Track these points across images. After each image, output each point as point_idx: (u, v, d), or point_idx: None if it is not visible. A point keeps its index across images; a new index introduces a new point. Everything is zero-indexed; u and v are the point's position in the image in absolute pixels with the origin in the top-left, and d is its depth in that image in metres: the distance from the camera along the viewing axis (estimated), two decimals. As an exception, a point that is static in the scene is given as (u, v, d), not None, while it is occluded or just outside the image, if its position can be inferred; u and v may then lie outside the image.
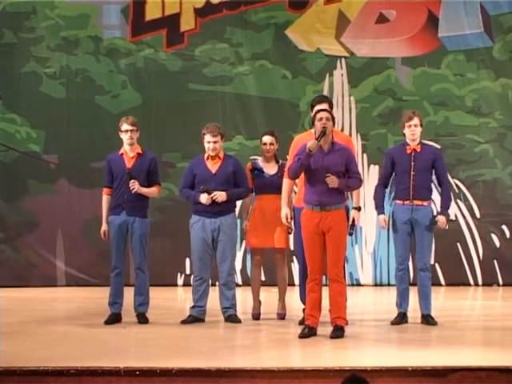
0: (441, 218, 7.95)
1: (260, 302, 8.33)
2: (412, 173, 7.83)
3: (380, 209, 8.02)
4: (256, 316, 8.26)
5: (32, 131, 11.09)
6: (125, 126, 8.05)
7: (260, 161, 8.41)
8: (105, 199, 8.17)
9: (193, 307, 8.08)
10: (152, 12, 11.20)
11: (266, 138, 8.36)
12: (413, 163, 7.84)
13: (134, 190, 7.95)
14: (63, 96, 11.12)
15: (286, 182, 7.81)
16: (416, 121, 7.89)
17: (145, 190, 8.03)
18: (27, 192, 11.09)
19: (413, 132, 7.88)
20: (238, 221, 8.32)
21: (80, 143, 11.07)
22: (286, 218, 7.81)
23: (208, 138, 8.03)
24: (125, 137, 8.05)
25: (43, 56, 11.12)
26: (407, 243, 7.93)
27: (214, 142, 8.00)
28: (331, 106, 7.93)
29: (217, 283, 8.22)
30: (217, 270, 8.12)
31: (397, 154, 7.97)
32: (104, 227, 8.09)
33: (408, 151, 7.90)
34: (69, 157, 11.01)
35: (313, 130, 7.55)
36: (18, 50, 11.10)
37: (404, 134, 7.97)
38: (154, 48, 11.19)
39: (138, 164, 8.04)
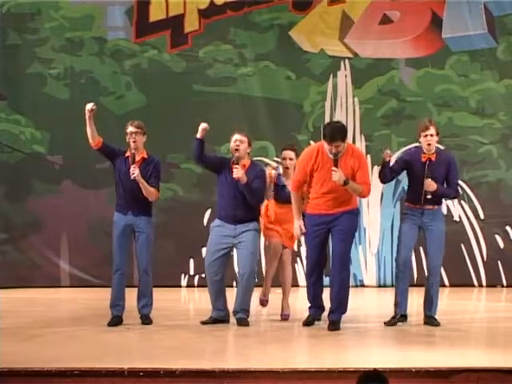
0: (428, 180, 7.76)
1: (269, 289, 8.33)
2: (425, 181, 7.83)
3: (388, 164, 7.96)
4: (264, 303, 8.28)
5: (36, 132, 11.11)
6: (129, 128, 8.02)
7: (282, 173, 8.34)
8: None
9: (212, 309, 8.06)
10: (156, 13, 11.21)
11: (286, 153, 8.28)
12: (427, 172, 7.83)
13: (134, 176, 7.84)
14: (67, 97, 11.13)
15: (293, 194, 7.83)
16: (432, 130, 7.86)
17: (143, 182, 7.88)
18: (32, 193, 11.10)
19: (429, 142, 7.86)
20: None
21: (84, 144, 10.94)
22: (300, 230, 7.77)
23: (235, 136, 7.97)
24: (129, 139, 8.02)
25: (47, 57, 11.13)
26: (412, 243, 7.93)
27: (240, 142, 7.93)
28: (344, 139, 7.61)
29: (234, 284, 8.21)
30: (233, 271, 8.13)
31: (412, 160, 7.93)
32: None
33: (423, 159, 7.87)
34: (73, 158, 11.01)
35: (326, 146, 7.60)
36: (22, 51, 11.11)
37: (419, 142, 7.95)
38: (158, 49, 11.20)
39: (142, 169, 7.95)
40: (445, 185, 7.98)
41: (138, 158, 8.00)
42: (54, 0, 11.14)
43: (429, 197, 7.79)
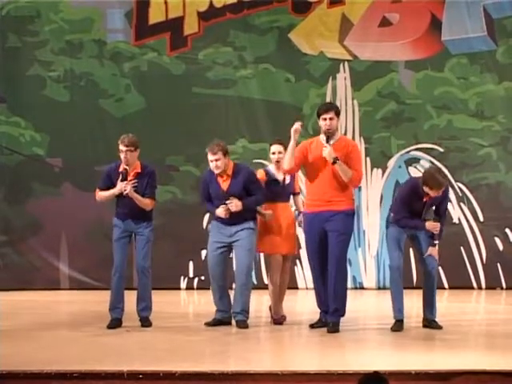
0: (434, 251, 7.85)
1: (280, 306, 8.28)
2: (422, 216, 7.82)
3: (420, 222, 7.79)
4: (281, 319, 8.20)
5: (36, 135, 11.11)
6: (120, 147, 7.95)
7: (272, 168, 8.37)
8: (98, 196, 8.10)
9: (216, 310, 8.07)
10: (155, 16, 11.21)
11: (275, 147, 8.31)
12: (425, 209, 7.82)
13: (126, 192, 7.88)
14: (67, 99, 11.14)
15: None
16: (443, 189, 7.69)
17: (136, 196, 7.92)
18: (31, 195, 11.10)
19: (435, 195, 7.71)
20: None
21: (84, 147, 11.08)
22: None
23: (209, 157, 7.97)
24: (121, 156, 7.97)
25: (47, 60, 11.14)
26: (401, 246, 7.90)
27: (216, 160, 7.90)
28: (338, 113, 7.84)
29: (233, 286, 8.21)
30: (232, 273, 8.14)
31: (414, 196, 7.78)
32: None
33: (424, 199, 7.77)
34: (73, 160, 11.01)
35: (321, 136, 7.77)
36: (22, 53, 11.11)
37: (424, 186, 7.70)
38: (158, 52, 11.20)
39: (137, 183, 7.95)
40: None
41: (132, 173, 7.98)
42: (53, 2, 11.15)
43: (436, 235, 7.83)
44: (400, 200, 7.96)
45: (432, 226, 7.80)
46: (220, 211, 7.93)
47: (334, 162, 7.60)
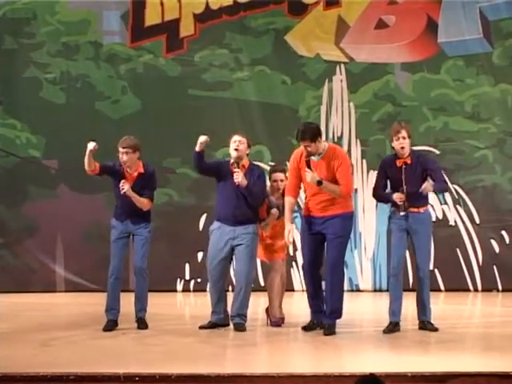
0: (427, 184, 7.67)
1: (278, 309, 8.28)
2: (404, 186, 7.73)
3: (388, 196, 7.84)
4: (280, 321, 8.18)
5: (32, 137, 11.10)
6: (119, 148, 7.97)
7: (270, 193, 8.24)
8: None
9: (212, 312, 8.06)
10: (151, 18, 11.21)
11: (277, 175, 8.25)
12: (404, 176, 7.75)
13: (123, 191, 7.88)
14: (63, 101, 11.13)
15: (287, 199, 7.82)
16: (403, 133, 7.76)
17: (134, 195, 7.92)
18: (27, 197, 11.09)
19: (401, 145, 7.76)
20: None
21: (80, 149, 10.96)
22: (288, 235, 7.71)
23: (235, 137, 8.00)
24: (119, 157, 8.00)
25: (43, 62, 11.13)
26: (402, 250, 7.89)
27: (240, 142, 7.96)
28: (314, 139, 7.59)
29: (230, 288, 8.21)
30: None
31: (388, 167, 7.89)
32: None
33: (398, 164, 7.82)
34: (69, 162, 10.98)
35: None
36: (18, 55, 11.11)
37: (393, 148, 7.88)
38: (154, 53, 11.21)
39: (139, 183, 7.97)
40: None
41: (134, 174, 7.99)
42: (49, 4, 11.15)
43: (401, 206, 7.72)
44: (377, 173, 8.06)
45: (397, 196, 7.73)
46: (239, 176, 7.86)
47: (319, 184, 7.56)
